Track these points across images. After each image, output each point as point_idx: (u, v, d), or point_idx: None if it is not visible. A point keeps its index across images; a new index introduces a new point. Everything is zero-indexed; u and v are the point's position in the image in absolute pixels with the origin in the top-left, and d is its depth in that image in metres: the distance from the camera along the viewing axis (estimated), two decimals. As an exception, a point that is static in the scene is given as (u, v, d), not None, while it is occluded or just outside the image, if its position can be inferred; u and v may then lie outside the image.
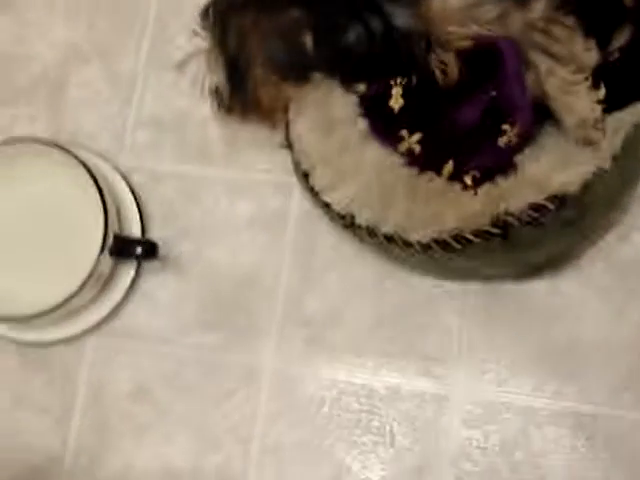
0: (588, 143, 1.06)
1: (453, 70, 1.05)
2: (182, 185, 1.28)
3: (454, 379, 1.19)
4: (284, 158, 1.19)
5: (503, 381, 1.19)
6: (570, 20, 1.05)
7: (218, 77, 1.12)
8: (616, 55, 1.07)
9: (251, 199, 1.27)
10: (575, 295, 1.19)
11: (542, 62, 1.05)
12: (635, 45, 1.06)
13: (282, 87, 1.09)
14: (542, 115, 1.09)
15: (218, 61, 1.11)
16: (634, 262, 1.19)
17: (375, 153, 1.09)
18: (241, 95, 1.11)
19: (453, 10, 1.03)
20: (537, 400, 1.18)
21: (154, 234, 1.27)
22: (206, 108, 1.22)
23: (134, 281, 1.25)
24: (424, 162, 1.08)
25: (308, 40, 1.05)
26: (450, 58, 1.05)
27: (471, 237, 1.05)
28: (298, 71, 1.08)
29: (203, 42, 1.13)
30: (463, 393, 1.19)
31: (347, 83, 1.07)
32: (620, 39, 1.08)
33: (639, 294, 1.19)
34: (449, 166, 1.08)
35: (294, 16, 1.04)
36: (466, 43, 1.05)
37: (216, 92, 1.13)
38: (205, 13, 1.11)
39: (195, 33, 1.12)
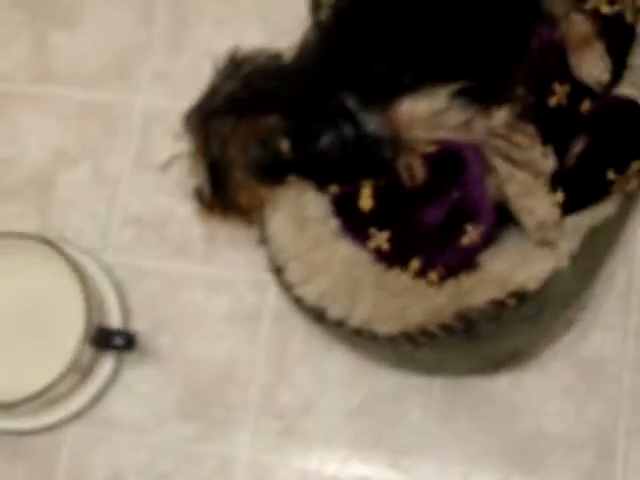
0: (546, 243, 1.12)
1: (419, 173, 1.11)
2: (163, 280, 1.34)
3: (421, 472, 1.23)
4: (260, 257, 1.24)
5: (468, 474, 1.23)
6: (530, 128, 1.11)
7: (200, 179, 1.18)
8: (573, 161, 1.14)
9: (228, 295, 1.32)
10: (537, 391, 1.24)
11: (502, 167, 1.11)
12: (590, 152, 1.13)
13: (259, 189, 1.15)
14: (503, 217, 1.15)
15: (200, 164, 1.16)
16: (594, 361, 1.25)
17: (346, 250, 1.13)
18: (222, 196, 1.16)
19: (420, 116, 1.10)
20: (501, 493, 1.22)
21: (135, 326, 1.31)
22: (187, 208, 1.28)
23: (114, 372, 1.29)
24: (392, 259, 1.13)
25: (284, 145, 1.11)
26: (416, 162, 1.11)
27: (436, 331, 1.10)
28: (274, 174, 1.13)
29: (186, 145, 1.19)
30: (430, 485, 1.23)
31: (321, 185, 1.13)
32: (577, 146, 1.15)
33: (598, 394, 1.24)
34: (415, 263, 1.13)
35: (271, 123, 1.11)
36: (431, 148, 1.11)
37: (198, 193, 1.19)
38: (188, 118, 1.17)
39: (178, 137, 1.18)
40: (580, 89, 1.17)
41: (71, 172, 1.40)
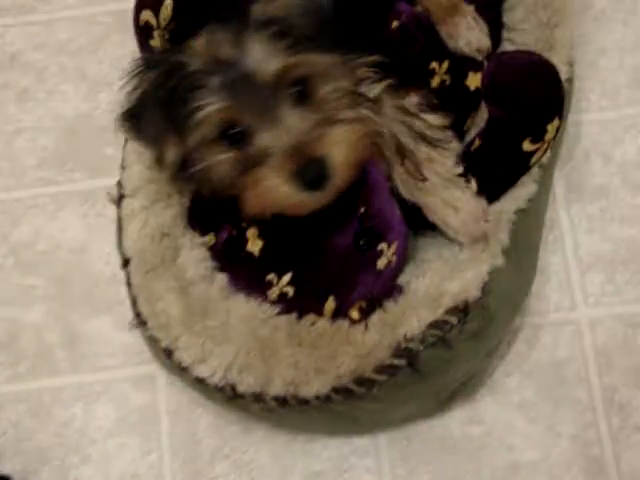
0: (481, 238, 0.96)
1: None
2: (27, 405, 1.11)
3: None
4: (138, 346, 1.06)
5: (448, 534, 1.04)
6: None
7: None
8: (478, 143, 0.98)
9: (111, 401, 1.11)
10: (497, 418, 1.07)
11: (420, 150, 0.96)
12: (497, 126, 0.96)
13: None
14: (413, 229, 0.98)
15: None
16: (550, 366, 1.08)
17: (243, 307, 0.96)
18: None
19: None
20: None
21: (6, 469, 1.08)
22: (35, 313, 1.11)
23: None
24: (301, 305, 0.96)
25: None
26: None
27: (374, 376, 0.92)
28: None
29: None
30: None
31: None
32: (475, 126, 1.00)
33: (567, 402, 1.07)
34: (330, 303, 0.96)
35: None
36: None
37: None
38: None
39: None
40: (461, 62, 1.02)
41: None
